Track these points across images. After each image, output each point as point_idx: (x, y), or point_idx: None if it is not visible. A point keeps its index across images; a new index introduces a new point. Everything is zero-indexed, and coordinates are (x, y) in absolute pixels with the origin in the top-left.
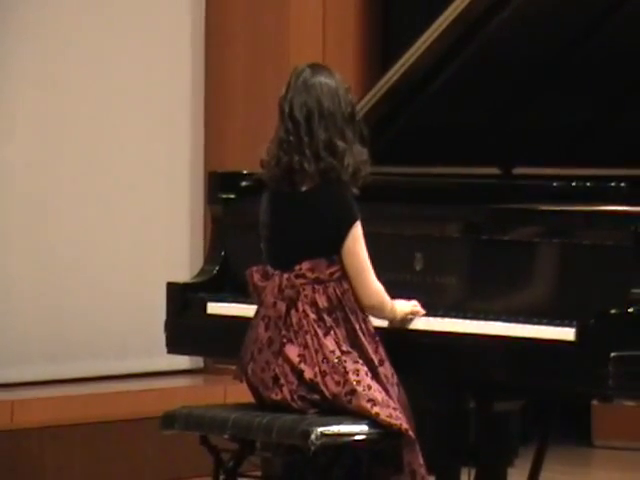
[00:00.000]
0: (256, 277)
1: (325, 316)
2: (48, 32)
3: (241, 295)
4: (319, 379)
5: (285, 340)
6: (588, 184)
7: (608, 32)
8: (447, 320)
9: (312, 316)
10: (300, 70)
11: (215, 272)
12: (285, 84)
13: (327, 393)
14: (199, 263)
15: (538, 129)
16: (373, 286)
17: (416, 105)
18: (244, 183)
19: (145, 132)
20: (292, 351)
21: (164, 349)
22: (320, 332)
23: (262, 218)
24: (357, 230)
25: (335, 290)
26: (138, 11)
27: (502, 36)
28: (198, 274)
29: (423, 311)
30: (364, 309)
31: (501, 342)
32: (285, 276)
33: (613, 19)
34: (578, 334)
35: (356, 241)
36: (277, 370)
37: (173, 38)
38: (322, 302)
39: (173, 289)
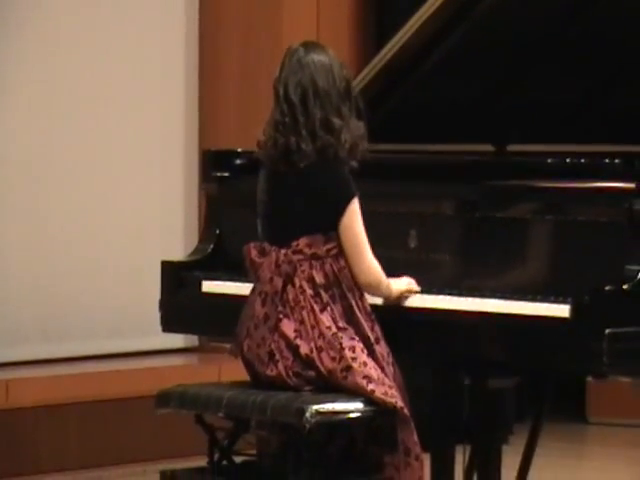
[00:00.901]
0: (253, 253)
1: (322, 292)
2: (44, 26)
3: (236, 273)
4: (315, 354)
5: (281, 316)
6: (582, 161)
7: (603, 9)
8: (441, 297)
9: (309, 292)
10: (294, 49)
11: (210, 250)
12: (279, 64)
13: (322, 369)
14: (194, 242)
15: (532, 106)
16: (369, 263)
17: (410, 83)
18: (238, 161)
19: (139, 112)
20: (288, 327)
21: (159, 328)
22: (317, 308)
23: (259, 195)
24: (354, 206)
25: (332, 266)
26: None
27: (496, 12)
28: (193, 252)
29: (418, 288)
30: (360, 286)
31: (496, 319)
32: (282, 252)
33: None
34: (573, 311)
35: (353, 217)
36: (273, 346)
37: (167, 19)
38: (319, 278)
39: (168, 268)
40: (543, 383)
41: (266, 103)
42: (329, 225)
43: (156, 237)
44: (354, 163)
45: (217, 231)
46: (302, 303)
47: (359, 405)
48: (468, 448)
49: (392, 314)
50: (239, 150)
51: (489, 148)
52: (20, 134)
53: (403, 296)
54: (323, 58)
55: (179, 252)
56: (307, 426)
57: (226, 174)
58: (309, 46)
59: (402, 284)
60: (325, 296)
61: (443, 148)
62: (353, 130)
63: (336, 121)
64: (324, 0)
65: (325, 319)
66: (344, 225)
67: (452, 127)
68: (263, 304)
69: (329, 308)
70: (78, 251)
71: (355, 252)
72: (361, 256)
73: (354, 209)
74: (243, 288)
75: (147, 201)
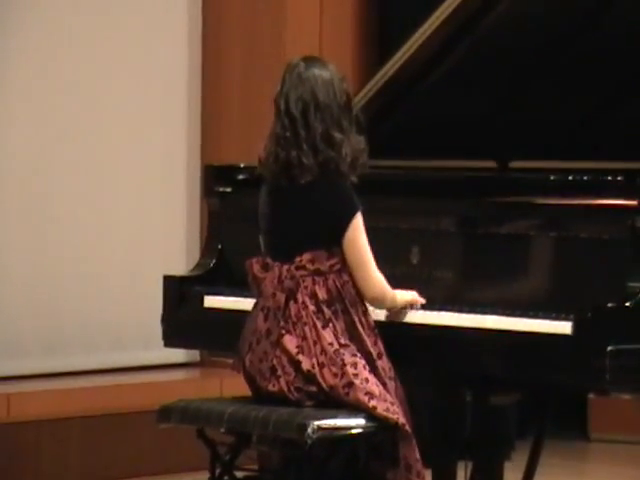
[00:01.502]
0: (256, 268)
1: (324, 308)
2: (45, 27)
3: (238, 288)
4: (316, 370)
5: (284, 331)
6: (585, 177)
7: (606, 25)
8: (443, 313)
9: (311, 308)
10: (294, 64)
11: (212, 265)
12: (280, 79)
13: (324, 385)
14: (196, 256)
15: (535, 122)
16: (375, 277)
17: (413, 98)
18: (240, 176)
19: (142, 125)
20: (290, 342)
21: (160, 342)
22: (319, 324)
23: (261, 210)
24: (358, 221)
25: (335, 282)
26: (135, 3)
27: (500, 29)
28: (195, 267)
29: (423, 300)
30: (365, 300)
31: (498, 336)
32: (285, 267)
33: (610, 13)
34: (575, 328)
35: (357, 232)
36: (275, 361)
37: (170, 31)
38: (322, 294)
39: (170, 282)
40: (545, 399)
41: (269, 118)
42: (332, 240)
43: (158, 252)
44: (354, 178)
45: (219, 246)
46: (304, 319)
47: (361, 421)
48: (470, 464)
49: (394, 330)
50: (241, 165)
51: (491, 164)
52: (20, 147)
53: (408, 307)
54: (324, 72)
55: (181, 267)
56: (309, 441)
57: (228, 189)
58: (309, 60)
59: (407, 295)
60: (327, 312)
61: (445, 164)
62: (354, 144)
63: (337, 135)
64: (327, 11)
65: (327, 335)
66: (348, 240)
67: (454, 143)
68: (265, 319)
69: (331, 324)
70: (80, 265)
71: (360, 267)
72: (366, 270)
73: (358, 223)
74: (245, 303)
75: (149, 215)
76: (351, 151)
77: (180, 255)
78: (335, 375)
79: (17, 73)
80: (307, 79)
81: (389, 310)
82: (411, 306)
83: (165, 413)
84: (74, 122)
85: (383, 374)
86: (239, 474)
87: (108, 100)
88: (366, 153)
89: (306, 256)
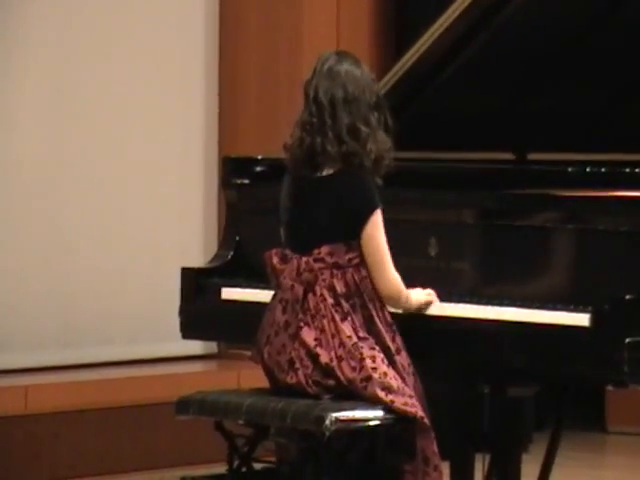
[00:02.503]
0: (275, 260)
1: (343, 301)
2: (60, 22)
3: (255, 280)
4: (335, 364)
5: (302, 324)
6: (603, 169)
7: (625, 17)
8: (461, 305)
9: (330, 300)
10: (326, 57)
11: (229, 257)
12: (312, 70)
13: (342, 378)
14: (213, 248)
15: (553, 114)
16: (390, 275)
17: (430, 91)
18: (258, 168)
19: (159, 118)
20: (308, 335)
21: (178, 334)
22: (337, 317)
23: (282, 202)
24: (377, 217)
25: (353, 276)
26: None
27: (517, 20)
28: (212, 259)
29: (437, 300)
30: (382, 298)
31: (516, 328)
32: (304, 259)
33: (630, 4)
34: (593, 320)
35: (376, 228)
36: (293, 354)
37: (187, 23)
38: (340, 287)
39: (187, 274)
40: (562, 392)
41: (286, 110)
42: (351, 234)
43: (175, 244)
44: (379, 180)
45: (237, 238)
46: (323, 312)
47: (379, 413)
48: (487, 457)
49: (412, 322)
50: (259, 157)
51: (509, 156)
52: (35, 141)
53: (422, 307)
54: (355, 69)
55: (198, 259)
56: (327, 433)
57: (246, 181)
58: (342, 55)
59: (421, 295)
60: (346, 305)
61: (463, 156)
62: (380, 142)
63: (363, 129)
64: (344, 4)
65: (346, 328)
66: (366, 235)
67: (472, 135)
68: (284, 311)
69: (350, 317)
70: (96, 258)
71: (376, 264)
72: (382, 268)
73: (377, 220)
74: (262, 295)
75: (166, 208)
76: (376, 148)
77: (197, 247)
78: (353, 369)
79: (32, 65)
80: (337, 73)
81: (404, 310)
82: (426, 306)
83: (183, 405)
84: (91, 115)
85: (402, 369)
86: (257, 466)
87: (126, 93)
88: (392, 153)
89: (325, 249)
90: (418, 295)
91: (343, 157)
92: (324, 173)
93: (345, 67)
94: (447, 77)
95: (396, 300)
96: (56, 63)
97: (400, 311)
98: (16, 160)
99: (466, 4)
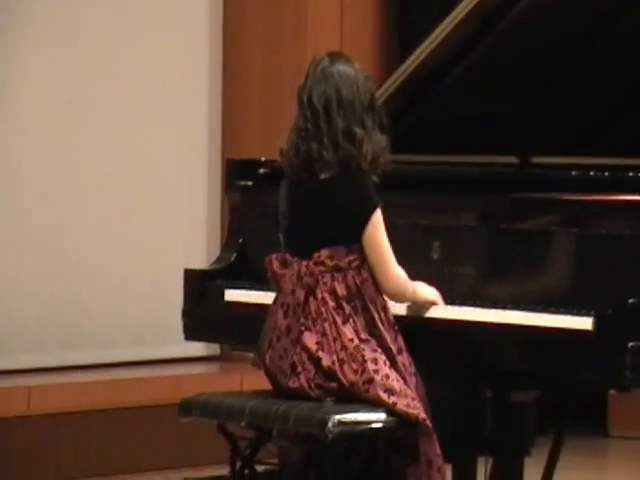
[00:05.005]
0: (275, 264)
1: (344, 304)
2: (65, 21)
3: (258, 282)
4: (337, 367)
5: (303, 328)
6: (606, 174)
7: (627, 21)
8: (464, 309)
9: (331, 304)
10: (319, 59)
11: (233, 259)
12: (304, 73)
13: (344, 381)
14: (216, 250)
15: (557, 118)
16: (395, 273)
17: (434, 94)
18: (262, 170)
19: (162, 119)
20: (310, 339)
21: (181, 336)
22: (339, 320)
23: (281, 206)
24: (377, 217)
25: (354, 278)
26: None
27: (520, 25)
28: (215, 261)
29: (442, 303)
30: (386, 296)
31: (518, 331)
32: (304, 263)
33: (632, 8)
34: (596, 324)
35: (377, 228)
36: (295, 358)
37: (190, 25)
38: (341, 290)
39: (191, 276)
40: (565, 395)
41: (289, 112)
42: (351, 236)
43: (179, 245)
44: (375, 178)
45: (240, 240)
46: (324, 315)
47: (381, 416)
48: (490, 460)
49: (414, 325)
50: (262, 159)
51: (513, 160)
52: (39, 143)
53: (427, 304)
54: (348, 69)
55: (202, 261)
56: (329, 436)
57: (249, 183)
58: (334, 57)
59: (428, 292)
60: (347, 308)
61: (467, 159)
62: (375, 142)
63: (358, 132)
64: (347, 10)
65: (347, 331)
66: (368, 236)
67: (476, 138)
68: (285, 316)
69: (351, 320)
70: (100, 259)
71: (380, 263)
72: (386, 267)
73: (377, 220)
74: (266, 297)
75: (170, 209)
76: (372, 149)
77: (201, 249)
78: (355, 371)
79: (37, 65)
80: (331, 75)
81: (410, 303)
82: (431, 303)
83: (186, 407)
84: (94, 117)
85: (403, 370)
86: (259, 468)
87: (129, 95)
88: (387, 152)
89: (325, 252)
90: (425, 289)
91: (340, 162)
92: (321, 177)
93: (338, 68)
94: (451, 80)
95: (401, 296)
96: (61, 64)
97: (404, 311)
98: (20, 162)
99: (469, 8)
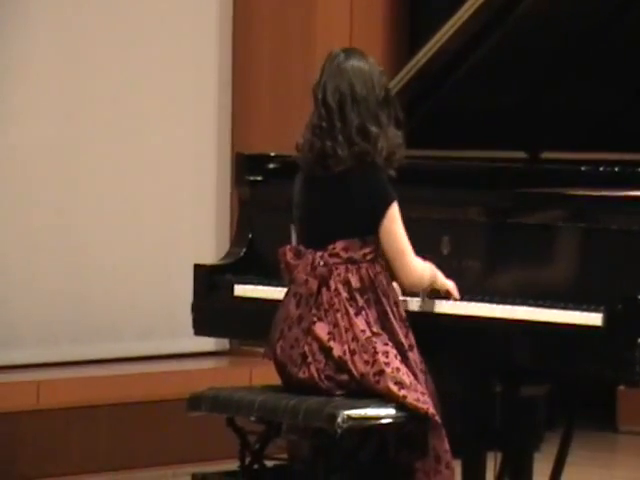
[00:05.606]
0: (289, 255)
1: (357, 296)
2: (72, 20)
3: (268, 277)
4: (348, 357)
5: (315, 318)
6: (616, 169)
7: (637, 17)
8: (473, 304)
9: (344, 295)
10: (334, 55)
11: (242, 254)
12: (317, 69)
13: (355, 372)
14: (226, 245)
15: (566, 113)
16: (413, 265)
17: (443, 89)
18: (271, 165)
19: (172, 114)
20: (322, 329)
21: (190, 331)
22: (351, 311)
23: (295, 198)
24: (394, 211)
25: (368, 271)
26: None
27: (531, 19)
28: (225, 256)
29: (458, 296)
30: (404, 287)
31: (528, 326)
32: (318, 254)
33: None
34: (606, 319)
35: (393, 221)
36: (306, 348)
37: (200, 21)
38: (355, 282)
39: (200, 271)
40: (574, 391)
41: (299, 107)
42: (366, 229)
43: (188, 240)
44: (392, 172)
45: (249, 235)
46: (337, 306)
47: (391, 411)
48: (499, 455)
49: (424, 320)
50: (272, 154)
51: (522, 155)
52: (48, 138)
53: (442, 292)
54: (363, 65)
55: (211, 255)
56: (339, 431)
57: (259, 178)
58: (349, 52)
59: (447, 282)
60: (360, 300)
61: (476, 154)
62: (390, 138)
63: (373, 128)
64: (357, 4)
65: (360, 323)
66: (385, 230)
67: (485, 134)
68: (297, 306)
69: (364, 312)
70: (109, 253)
71: (398, 255)
72: (404, 259)
73: (394, 213)
74: (275, 292)
75: (179, 204)
76: (387, 145)
77: (210, 244)
78: (366, 363)
79: (45, 60)
80: (345, 70)
81: (421, 299)
82: (447, 295)
83: (195, 401)
84: (104, 112)
85: (414, 365)
86: (269, 463)
87: (139, 91)
88: (403, 148)
89: (339, 244)
90: (444, 281)
91: (354, 157)
92: (336, 171)
93: (352, 63)
94: (461, 75)
95: (419, 286)
96: (69, 61)
97: (416, 307)
98: (29, 157)
99: (479, 2)
